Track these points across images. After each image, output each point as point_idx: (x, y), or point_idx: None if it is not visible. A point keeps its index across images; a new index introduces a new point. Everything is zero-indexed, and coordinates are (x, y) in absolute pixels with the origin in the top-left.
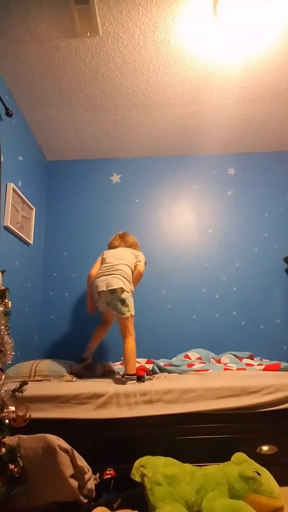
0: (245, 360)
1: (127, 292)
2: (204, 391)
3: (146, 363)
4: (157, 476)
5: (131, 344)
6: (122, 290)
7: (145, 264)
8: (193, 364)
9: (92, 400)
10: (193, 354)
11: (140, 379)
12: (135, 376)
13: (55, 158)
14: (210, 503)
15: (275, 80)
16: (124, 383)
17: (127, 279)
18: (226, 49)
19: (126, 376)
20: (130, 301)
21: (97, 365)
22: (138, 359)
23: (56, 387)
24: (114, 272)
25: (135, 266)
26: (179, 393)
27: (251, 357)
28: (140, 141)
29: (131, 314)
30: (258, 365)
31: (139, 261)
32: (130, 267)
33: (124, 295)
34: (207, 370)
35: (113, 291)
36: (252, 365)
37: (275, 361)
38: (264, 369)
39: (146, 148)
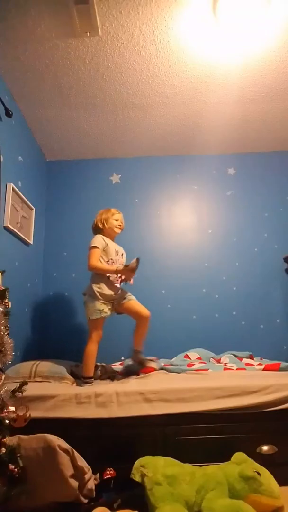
0: (245, 360)
1: (86, 295)
2: (204, 391)
3: None
4: (157, 476)
5: (87, 347)
6: (84, 294)
7: (94, 248)
8: (193, 364)
9: (91, 399)
10: (193, 354)
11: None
12: (91, 379)
13: (54, 158)
14: (210, 503)
15: (274, 79)
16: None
17: (90, 280)
18: (225, 49)
19: (82, 379)
20: (87, 304)
21: (98, 367)
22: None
23: (55, 387)
24: None
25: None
26: (179, 393)
27: (251, 357)
28: (140, 141)
29: (89, 318)
30: (258, 364)
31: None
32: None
33: (84, 299)
34: (207, 369)
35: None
36: (252, 364)
37: (275, 361)
38: (264, 369)
39: (146, 148)
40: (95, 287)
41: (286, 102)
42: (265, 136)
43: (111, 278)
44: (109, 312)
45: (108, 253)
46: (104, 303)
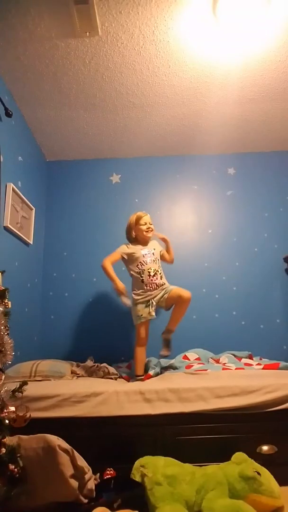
0: (244, 360)
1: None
2: (204, 390)
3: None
4: (157, 476)
5: (134, 350)
6: None
7: (115, 251)
8: (192, 365)
9: (91, 398)
10: (192, 354)
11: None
12: (140, 376)
13: (54, 158)
14: (210, 503)
15: (274, 79)
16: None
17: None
18: (225, 49)
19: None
20: (132, 311)
21: (100, 367)
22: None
23: (55, 386)
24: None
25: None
26: (179, 393)
27: (250, 357)
28: (140, 141)
29: (136, 323)
30: (257, 364)
31: None
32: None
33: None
34: (206, 370)
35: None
36: (251, 364)
37: (274, 361)
38: (263, 369)
39: (146, 148)
40: (133, 294)
41: (286, 102)
42: (265, 136)
43: (144, 280)
44: (149, 316)
45: (135, 260)
46: (144, 306)
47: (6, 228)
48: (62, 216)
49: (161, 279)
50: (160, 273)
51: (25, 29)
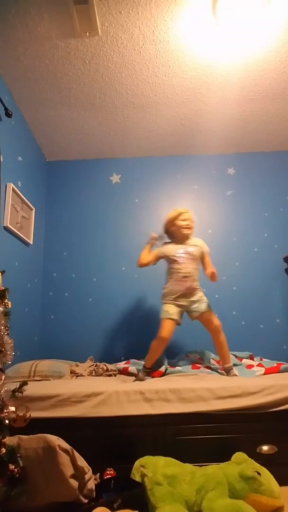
0: (245, 361)
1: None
2: (204, 391)
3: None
4: (157, 476)
5: (152, 342)
6: None
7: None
8: (199, 368)
9: (91, 398)
10: (194, 354)
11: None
12: (148, 370)
13: (54, 158)
14: (210, 503)
15: (274, 79)
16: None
17: None
18: (225, 49)
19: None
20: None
21: (98, 365)
22: (136, 359)
23: (55, 386)
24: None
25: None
26: (179, 393)
27: (251, 357)
28: (140, 141)
29: (161, 317)
30: (257, 365)
31: None
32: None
33: None
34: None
35: None
36: (252, 365)
37: (274, 361)
38: (264, 373)
39: (146, 148)
40: (163, 289)
41: (286, 102)
42: (265, 136)
43: (175, 280)
44: (175, 316)
45: (170, 258)
46: (171, 304)
47: (6, 228)
48: (62, 216)
49: (192, 282)
50: (192, 276)
51: (25, 29)
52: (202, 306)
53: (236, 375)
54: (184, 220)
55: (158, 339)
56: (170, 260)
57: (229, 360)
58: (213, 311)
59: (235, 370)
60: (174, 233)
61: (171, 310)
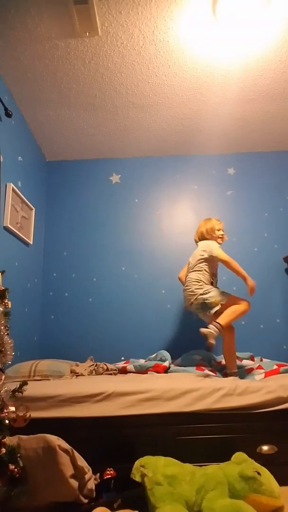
0: (245, 362)
1: (202, 293)
2: (204, 390)
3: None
4: (157, 476)
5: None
6: (196, 297)
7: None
8: (203, 370)
9: (91, 398)
10: (196, 356)
11: None
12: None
13: (54, 158)
14: (210, 503)
15: (274, 79)
16: None
17: (198, 281)
18: (225, 49)
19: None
20: (210, 295)
21: (98, 365)
22: (136, 359)
23: (55, 386)
24: (186, 287)
25: (209, 259)
26: (179, 393)
27: (252, 358)
28: (140, 141)
29: (214, 301)
30: (257, 367)
31: (211, 254)
32: (197, 270)
33: (201, 298)
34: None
35: (190, 305)
36: (252, 369)
37: (274, 362)
38: (264, 377)
39: (146, 148)
40: (207, 277)
41: (286, 102)
42: (265, 136)
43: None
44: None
45: (216, 260)
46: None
47: (6, 228)
48: (62, 216)
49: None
50: None
51: (25, 29)
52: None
53: None
54: (218, 230)
55: (244, 305)
56: (215, 263)
57: (234, 366)
58: None
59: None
60: (210, 239)
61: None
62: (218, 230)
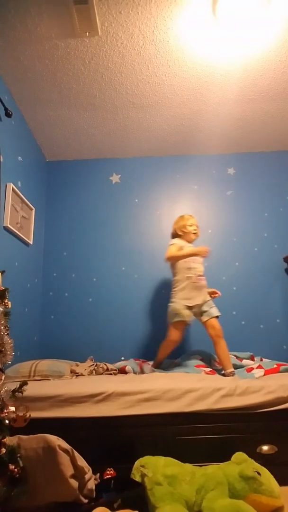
0: (245, 362)
1: (171, 301)
2: (204, 390)
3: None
4: (157, 476)
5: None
6: None
7: (171, 245)
8: (201, 366)
9: (91, 398)
10: (195, 355)
11: None
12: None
13: (54, 158)
14: (210, 503)
15: (274, 79)
16: None
17: (173, 285)
18: (225, 49)
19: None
20: (171, 306)
21: (98, 365)
22: (137, 359)
23: (55, 386)
24: None
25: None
26: (179, 393)
27: (252, 358)
28: (140, 141)
29: (169, 313)
30: (257, 367)
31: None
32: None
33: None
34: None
35: None
36: (252, 368)
37: (274, 362)
38: (264, 375)
39: (146, 148)
40: (175, 290)
41: (286, 102)
42: (265, 136)
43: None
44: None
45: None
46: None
47: (6, 228)
48: (62, 216)
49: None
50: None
51: (25, 29)
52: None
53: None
54: (191, 225)
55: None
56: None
57: (229, 365)
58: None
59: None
60: (183, 236)
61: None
62: (191, 225)
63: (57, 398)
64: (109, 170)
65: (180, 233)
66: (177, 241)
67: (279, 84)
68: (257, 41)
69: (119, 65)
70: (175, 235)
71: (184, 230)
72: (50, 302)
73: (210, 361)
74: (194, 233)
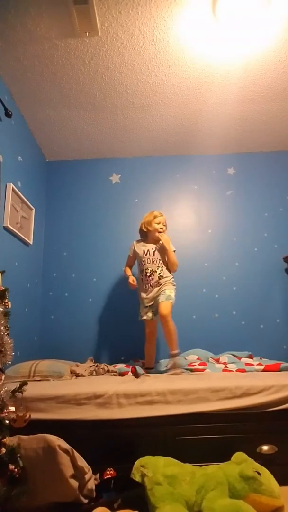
0: (244, 360)
1: None
2: (205, 392)
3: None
4: (157, 476)
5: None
6: None
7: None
8: (194, 364)
9: (91, 400)
10: (192, 356)
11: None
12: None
13: (54, 158)
14: (210, 503)
15: (274, 79)
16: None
17: None
18: (225, 49)
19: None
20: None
21: (99, 366)
22: (136, 360)
23: (55, 387)
24: None
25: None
26: (180, 394)
27: (251, 357)
28: (140, 141)
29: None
30: (258, 364)
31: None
32: None
33: None
34: (204, 370)
35: None
36: (251, 364)
37: (274, 361)
38: (263, 370)
39: (146, 148)
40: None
41: (286, 102)
42: (265, 136)
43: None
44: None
45: (138, 257)
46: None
47: (6, 228)
48: (62, 216)
49: (158, 279)
50: (158, 273)
51: (25, 29)
52: (158, 299)
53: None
54: (158, 223)
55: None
56: (139, 260)
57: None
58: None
59: (179, 359)
60: (148, 232)
61: (142, 312)
62: (158, 223)
63: (58, 399)
64: (109, 170)
65: (145, 229)
66: (129, 247)
67: (279, 84)
68: (257, 41)
69: (119, 65)
70: (141, 232)
71: (149, 227)
72: (50, 302)
73: (207, 359)
74: (160, 230)
